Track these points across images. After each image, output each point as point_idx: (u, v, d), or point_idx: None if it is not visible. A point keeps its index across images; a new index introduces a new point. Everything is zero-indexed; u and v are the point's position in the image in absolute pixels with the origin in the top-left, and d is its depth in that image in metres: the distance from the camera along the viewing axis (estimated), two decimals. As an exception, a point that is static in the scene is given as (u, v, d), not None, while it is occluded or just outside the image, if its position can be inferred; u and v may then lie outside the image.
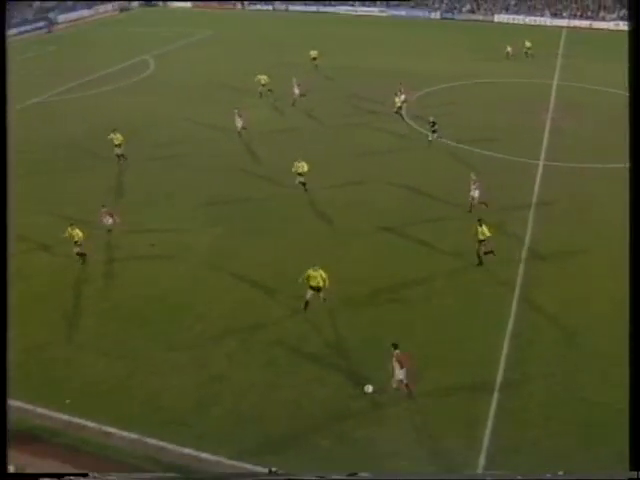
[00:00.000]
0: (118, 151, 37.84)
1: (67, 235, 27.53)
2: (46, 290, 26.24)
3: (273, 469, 15.70)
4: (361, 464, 17.15)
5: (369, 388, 20.08)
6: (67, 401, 20.04)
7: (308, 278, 23.34)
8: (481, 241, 26.40)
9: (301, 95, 47.58)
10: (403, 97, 45.39)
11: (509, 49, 61.38)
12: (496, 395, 20.20)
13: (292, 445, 18.58)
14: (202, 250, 29.03)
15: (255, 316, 24.28)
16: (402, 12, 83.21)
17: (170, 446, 18.30)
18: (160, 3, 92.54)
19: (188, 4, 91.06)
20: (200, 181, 35.82)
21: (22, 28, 77.31)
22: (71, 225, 27.60)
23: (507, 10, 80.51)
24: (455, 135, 41.13)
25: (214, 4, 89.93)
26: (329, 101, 48.99)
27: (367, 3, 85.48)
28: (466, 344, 22.47)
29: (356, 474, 13.32)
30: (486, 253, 26.68)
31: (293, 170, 33.39)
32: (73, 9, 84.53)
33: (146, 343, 22.80)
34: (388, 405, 19.94)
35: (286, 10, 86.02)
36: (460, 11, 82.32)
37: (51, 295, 25.95)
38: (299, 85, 47.73)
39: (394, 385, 19.80)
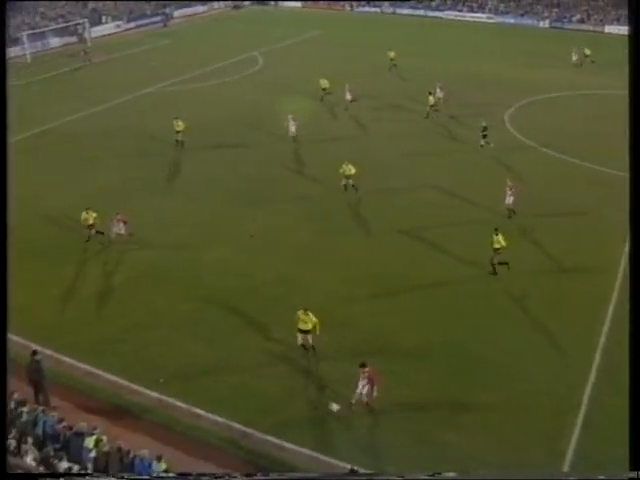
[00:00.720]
0: (179, 137, 39.85)
1: (83, 219, 28.77)
2: (148, 275, 27.17)
3: (355, 467, 15.73)
4: (440, 465, 16.98)
5: (334, 406, 19.66)
6: (160, 380, 20.68)
7: (298, 320, 21.88)
8: (496, 249, 26.01)
9: (352, 101, 46.99)
10: (441, 95, 45.77)
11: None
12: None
13: (374, 443, 18.60)
14: (294, 244, 29.37)
15: (345, 312, 24.40)
16: (510, 20, 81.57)
17: (254, 432, 18.60)
18: (271, 2, 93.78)
19: (298, 4, 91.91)
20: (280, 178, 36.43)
21: (140, 22, 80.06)
22: (86, 210, 28.78)
23: (618, 21, 77.83)
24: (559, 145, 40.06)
25: (323, 4, 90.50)
26: (387, 105, 48.54)
27: (475, 9, 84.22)
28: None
29: (439, 474, 13.17)
30: (500, 264, 26.16)
31: (340, 172, 33.49)
32: (188, 5, 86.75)
33: (240, 332, 23.26)
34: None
35: (393, 13, 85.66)
36: (570, 21, 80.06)
37: (151, 281, 26.83)
38: (350, 91, 47.20)
39: (363, 403, 19.51)
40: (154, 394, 20.04)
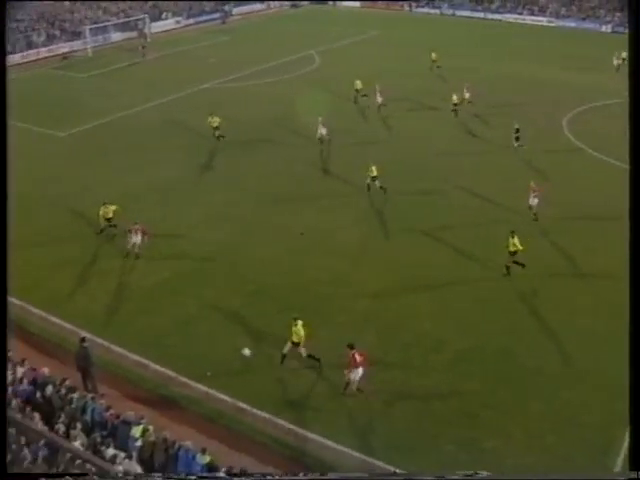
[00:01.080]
0: (217, 132, 40.30)
1: (102, 213, 29.04)
2: (197, 270, 27.39)
3: (397, 470, 15.58)
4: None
5: (246, 351, 20.82)
6: (208, 373, 20.81)
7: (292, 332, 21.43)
8: (512, 253, 25.89)
9: (382, 105, 46.14)
10: (466, 96, 45.76)
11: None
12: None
13: (416, 447, 18.43)
14: (344, 244, 29.31)
15: (395, 314, 24.30)
16: (571, 23, 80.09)
17: (298, 430, 18.57)
18: (329, 2, 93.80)
19: (356, 4, 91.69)
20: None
21: (199, 18, 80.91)
22: (104, 204, 29.01)
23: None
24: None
25: (381, 5, 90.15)
26: (421, 106, 48.15)
27: (535, 12, 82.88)
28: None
29: (477, 474, 12.97)
30: (516, 263, 26.05)
31: (367, 173, 33.48)
32: (247, 2, 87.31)
33: (287, 330, 23.26)
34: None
35: (452, 15, 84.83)
36: (634, 26, 78.28)
37: (200, 275, 27.01)
38: (381, 92, 46.46)
39: (354, 387, 19.96)
40: (201, 387, 20.15)
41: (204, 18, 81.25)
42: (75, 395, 17.94)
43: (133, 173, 36.90)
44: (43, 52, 66.34)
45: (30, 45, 66.48)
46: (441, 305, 24.88)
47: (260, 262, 27.70)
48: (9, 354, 19.03)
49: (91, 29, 68.30)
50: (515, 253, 25.92)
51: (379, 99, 46.51)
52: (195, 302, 25.03)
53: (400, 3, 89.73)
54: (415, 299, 25.25)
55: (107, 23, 72.02)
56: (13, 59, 63.04)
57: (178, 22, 79.00)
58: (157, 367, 20.99)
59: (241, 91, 52.50)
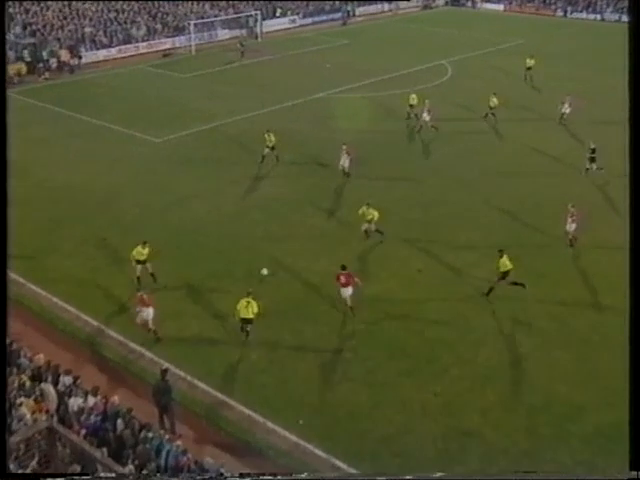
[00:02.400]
0: (267, 151, 39.68)
1: (135, 253, 27.73)
2: (297, 303, 27.35)
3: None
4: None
5: (264, 271, 27.18)
6: (300, 422, 20.87)
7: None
8: (503, 273, 26.91)
9: (432, 126, 44.83)
10: (567, 110, 46.41)
11: None
12: None
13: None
14: (466, 284, 28.82)
15: (517, 372, 23.74)
16: None
17: None
18: (468, 3, 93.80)
19: (499, 7, 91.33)
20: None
21: (317, 18, 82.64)
22: (143, 244, 27.65)
23: None
24: None
25: (530, 8, 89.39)
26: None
27: None
28: None
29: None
30: (516, 284, 27.04)
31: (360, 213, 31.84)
32: (373, 2, 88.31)
33: (402, 376, 23.19)
34: None
35: (618, 21, 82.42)
36: None
37: (300, 310, 26.93)
38: (429, 111, 44.92)
39: (348, 303, 25.67)
40: (292, 436, 20.27)
41: (322, 18, 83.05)
42: (149, 434, 18.15)
43: (234, 187, 37.56)
44: (142, 47, 69.24)
45: (128, 39, 69.41)
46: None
47: (371, 299, 27.10)
48: (78, 381, 20.21)
49: (196, 24, 70.67)
50: (507, 273, 26.88)
51: (426, 116, 45.04)
52: (292, 339, 25.09)
53: (552, 7, 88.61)
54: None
55: (214, 19, 74.41)
56: (109, 53, 66.25)
57: (293, 21, 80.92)
58: (243, 409, 21.23)
59: (358, 103, 52.55)
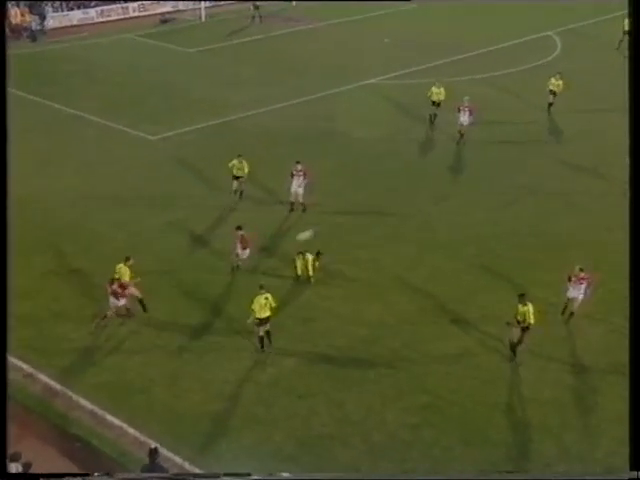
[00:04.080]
0: (235, 184, 36.70)
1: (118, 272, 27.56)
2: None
3: None
4: None
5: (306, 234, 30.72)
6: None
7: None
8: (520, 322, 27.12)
9: (469, 124, 42.01)
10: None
11: None
12: None
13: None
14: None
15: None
16: None
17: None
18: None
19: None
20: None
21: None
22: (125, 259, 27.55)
23: None
24: None
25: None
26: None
27: None
28: None
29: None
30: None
31: None
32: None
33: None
34: None
35: None
36: None
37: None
38: (469, 109, 41.78)
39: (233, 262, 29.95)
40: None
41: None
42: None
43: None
44: (132, 9, 67.70)
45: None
46: None
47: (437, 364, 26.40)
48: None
49: (208, -16, 68.52)
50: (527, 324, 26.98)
51: (465, 120, 42.17)
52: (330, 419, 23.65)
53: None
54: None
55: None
56: (85, 16, 65.07)
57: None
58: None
59: (421, 93, 47.71)
